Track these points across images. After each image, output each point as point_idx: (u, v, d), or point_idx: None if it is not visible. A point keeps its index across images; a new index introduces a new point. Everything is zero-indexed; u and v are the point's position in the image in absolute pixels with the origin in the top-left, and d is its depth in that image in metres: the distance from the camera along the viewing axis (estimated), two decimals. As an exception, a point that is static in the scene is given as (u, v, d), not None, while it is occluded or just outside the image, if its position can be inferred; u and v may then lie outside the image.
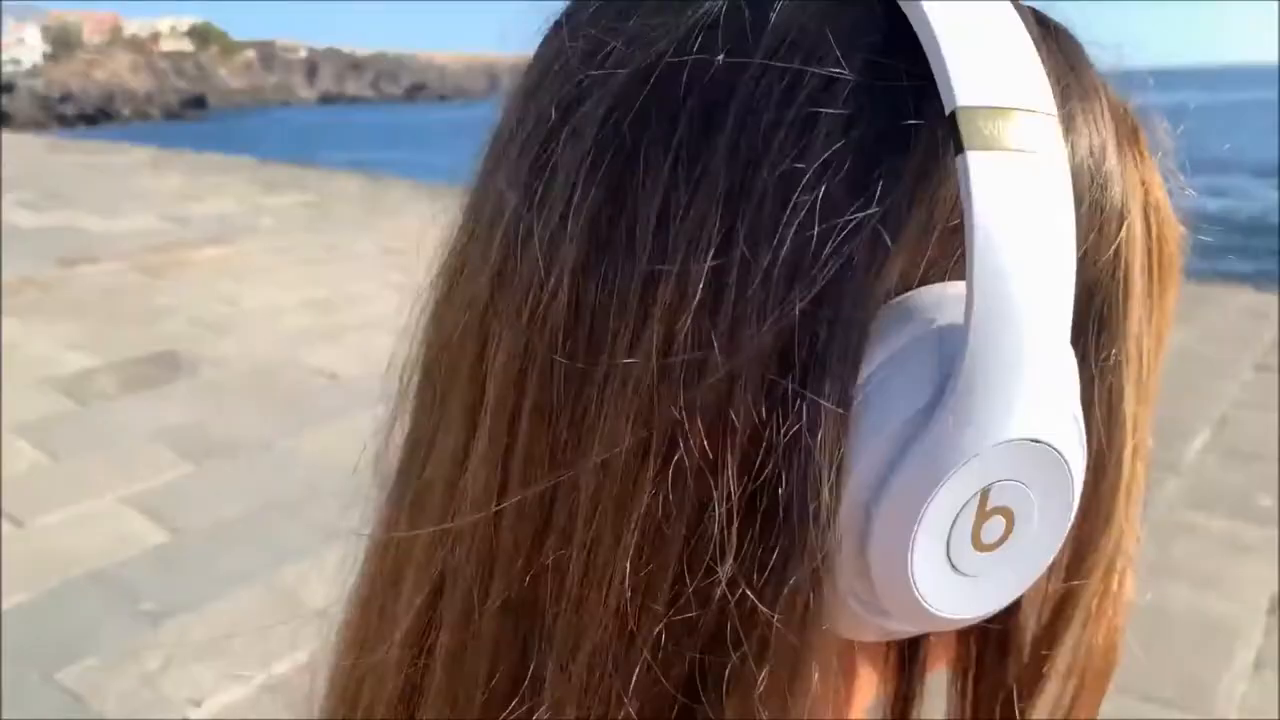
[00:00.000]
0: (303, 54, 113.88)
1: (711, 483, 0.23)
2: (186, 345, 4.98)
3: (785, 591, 0.23)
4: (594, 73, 0.25)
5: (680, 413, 0.23)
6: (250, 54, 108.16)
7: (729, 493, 0.23)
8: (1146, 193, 0.28)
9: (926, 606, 0.24)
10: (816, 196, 0.22)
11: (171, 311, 5.60)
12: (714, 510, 0.23)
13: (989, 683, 0.29)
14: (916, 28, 0.23)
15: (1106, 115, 0.27)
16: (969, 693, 0.29)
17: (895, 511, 0.23)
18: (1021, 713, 0.28)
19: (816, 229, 0.22)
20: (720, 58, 0.23)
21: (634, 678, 0.24)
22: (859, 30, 0.24)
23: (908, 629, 0.26)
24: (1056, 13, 0.29)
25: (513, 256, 0.25)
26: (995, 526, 0.23)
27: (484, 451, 0.26)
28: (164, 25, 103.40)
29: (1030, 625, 0.28)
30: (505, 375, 0.25)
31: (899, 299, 0.24)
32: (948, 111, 0.22)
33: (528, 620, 0.26)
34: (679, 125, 0.23)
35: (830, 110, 0.23)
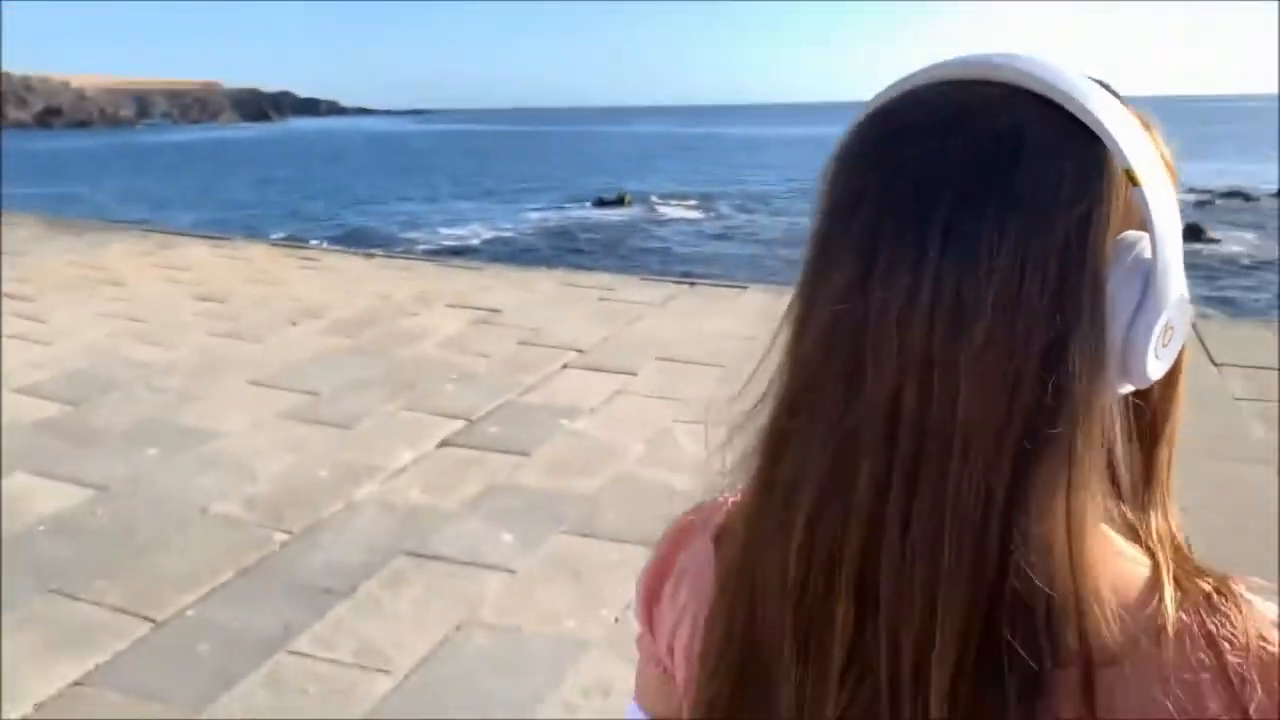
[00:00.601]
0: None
1: (1062, 353, 0.49)
2: None
3: (1094, 394, 0.50)
4: (924, 210, 0.50)
5: (1031, 330, 0.49)
6: None
7: (1071, 351, 0.49)
8: (1166, 162, 0.55)
9: (1149, 375, 0.53)
10: (1078, 217, 0.50)
11: None
12: (1056, 366, 0.49)
13: (1142, 411, 0.58)
14: (1099, 134, 0.51)
15: (1139, 124, 0.54)
16: (1132, 418, 0.57)
17: (1140, 338, 0.52)
18: (1163, 422, 0.59)
19: (1086, 225, 0.50)
20: (1000, 167, 0.50)
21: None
22: (1073, 136, 0.51)
23: (1130, 389, 0.55)
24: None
25: (922, 287, 0.50)
26: (1168, 335, 0.53)
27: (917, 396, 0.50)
28: None
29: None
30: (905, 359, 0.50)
31: (1114, 240, 0.52)
32: (1123, 169, 0.51)
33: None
34: (989, 205, 0.49)
35: (1075, 181, 0.50)
